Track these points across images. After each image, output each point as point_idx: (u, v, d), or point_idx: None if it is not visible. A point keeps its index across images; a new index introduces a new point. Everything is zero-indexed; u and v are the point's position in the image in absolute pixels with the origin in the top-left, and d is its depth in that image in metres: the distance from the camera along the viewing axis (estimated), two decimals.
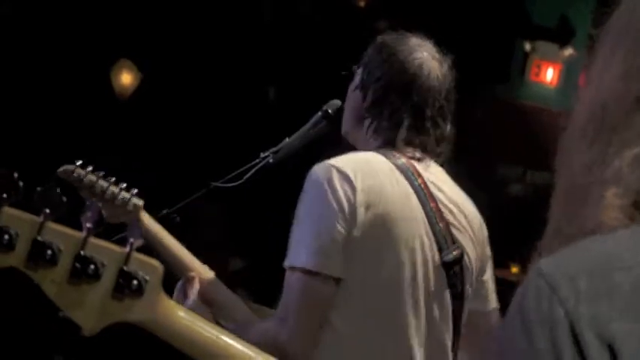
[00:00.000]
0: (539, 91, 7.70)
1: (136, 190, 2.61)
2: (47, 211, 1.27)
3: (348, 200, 2.27)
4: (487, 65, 7.08)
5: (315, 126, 2.69)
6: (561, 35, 7.52)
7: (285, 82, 7.21)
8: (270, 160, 2.70)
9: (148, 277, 1.29)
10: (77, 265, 1.27)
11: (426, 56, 2.49)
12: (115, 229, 1.37)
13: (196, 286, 2.48)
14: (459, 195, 2.51)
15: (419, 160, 2.44)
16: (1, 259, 1.26)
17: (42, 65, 7.28)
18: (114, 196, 2.56)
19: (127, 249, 1.28)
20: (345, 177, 2.29)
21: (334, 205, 2.26)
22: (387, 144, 2.45)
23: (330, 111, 2.71)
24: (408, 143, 2.45)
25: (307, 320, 2.25)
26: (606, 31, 1.00)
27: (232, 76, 7.37)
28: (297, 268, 2.26)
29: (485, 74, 7.00)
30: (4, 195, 1.26)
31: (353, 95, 2.55)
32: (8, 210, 1.27)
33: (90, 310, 1.28)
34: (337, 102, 2.72)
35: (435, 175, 2.46)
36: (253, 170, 2.69)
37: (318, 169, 2.31)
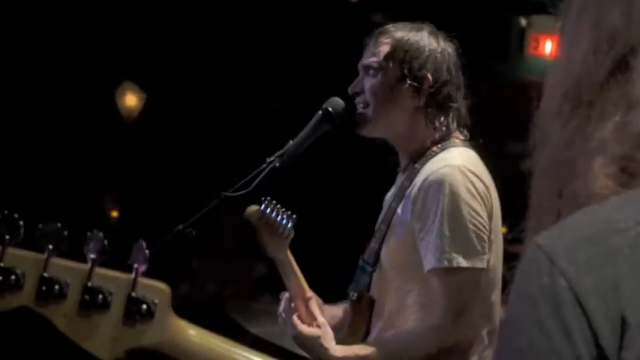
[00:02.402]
0: (539, 64, 7.66)
1: (294, 217, 2.62)
2: (50, 247, 1.29)
3: (487, 198, 2.43)
4: (485, 44, 7.07)
5: (318, 125, 2.70)
6: (556, 6, 7.50)
7: (288, 89, 7.22)
8: (277, 164, 2.70)
9: (156, 300, 1.30)
10: (86, 296, 1.29)
11: (444, 38, 2.63)
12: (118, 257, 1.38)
13: (317, 305, 2.56)
14: None
15: (467, 143, 2.57)
16: (10, 299, 1.28)
17: (45, 95, 7.32)
18: (287, 234, 2.57)
19: (133, 275, 1.29)
20: (478, 177, 2.44)
21: (481, 204, 2.41)
22: (448, 133, 2.56)
23: (330, 109, 2.71)
24: (459, 127, 2.59)
25: (479, 315, 2.41)
26: (569, 3, 1.00)
27: (233, 85, 7.39)
28: (461, 269, 2.39)
29: (484, 53, 6.99)
30: (7, 236, 1.28)
31: (392, 89, 2.59)
32: (12, 250, 1.28)
33: (103, 339, 1.30)
34: (338, 100, 2.72)
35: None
36: (261, 176, 2.69)
37: (453, 174, 2.43)
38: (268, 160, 2.69)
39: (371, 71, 2.63)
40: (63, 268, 1.29)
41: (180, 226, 2.69)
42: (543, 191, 0.98)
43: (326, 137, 2.74)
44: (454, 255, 2.39)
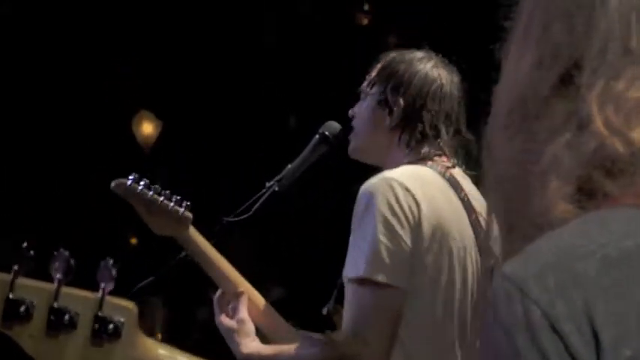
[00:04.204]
0: None
1: (187, 203, 2.62)
2: (16, 267, 1.28)
3: (412, 213, 2.32)
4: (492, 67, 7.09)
5: (315, 149, 2.71)
6: None
7: (305, 111, 7.24)
8: (276, 189, 2.72)
9: (123, 319, 1.29)
10: (52, 317, 1.28)
11: (440, 66, 2.57)
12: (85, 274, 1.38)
13: (245, 301, 2.56)
14: (483, 201, 2.53)
15: (452, 168, 2.48)
16: None
17: (62, 122, 7.39)
18: (166, 208, 2.57)
19: (100, 294, 1.28)
20: (407, 190, 2.34)
21: (401, 218, 2.32)
22: (421, 156, 2.49)
23: (327, 133, 2.72)
24: (441, 152, 2.50)
25: (382, 335, 2.27)
26: (518, 16, 1.00)
27: (248, 109, 7.43)
28: (367, 281, 2.27)
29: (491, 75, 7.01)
30: None
31: (372, 114, 2.58)
32: None
33: (71, 359, 1.29)
34: (334, 124, 2.74)
35: (467, 183, 2.50)
36: (261, 200, 2.70)
37: (377, 184, 2.36)
38: (268, 184, 2.70)
39: (362, 96, 2.65)
40: (29, 288, 1.29)
41: (184, 253, 2.71)
42: (505, 210, 0.98)
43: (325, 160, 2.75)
44: (360, 265, 2.31)
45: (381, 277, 2.26)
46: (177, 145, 7.80)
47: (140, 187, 2.53)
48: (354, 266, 2.31)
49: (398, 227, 2.31)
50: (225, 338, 2.55)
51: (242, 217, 2.75)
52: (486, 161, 0.98)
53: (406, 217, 2.33)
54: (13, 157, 7.13)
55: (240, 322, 2.54)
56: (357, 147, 2.63)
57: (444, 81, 2.52)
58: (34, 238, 1.35)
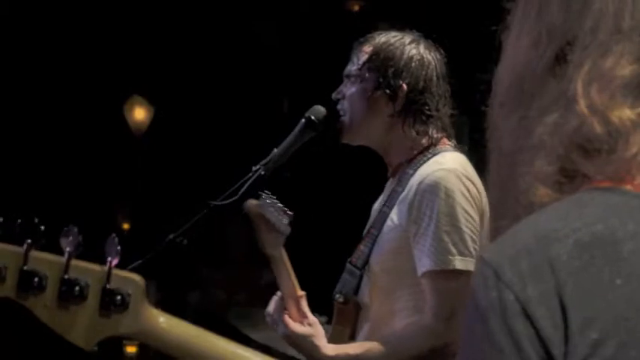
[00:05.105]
0: None
1: (287, 220, 2.62)
2: (29, 241, 1.36)
3: (479, 204, 2.46)
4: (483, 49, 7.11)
5: (301, 134, 2.76)
6: None
7: (298, 97, 7.26)
8: (262, 172, 2.76)
9: (130, 292, 1.37)
10: (63, 288, 1.36)
11: (429, 48, 2.65)
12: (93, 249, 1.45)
13: (306, 304, 2.61)
14: None
15: (459, 149, 2.60)
16: None
17: (56, 109, 7.41)
18: (280, 227, 2.59)
19: (107, 267, 1.36)
20: (471, 182, 2.48)
21: (475, 209, 2.45)
22: (433, 140, 2.58)
23: (313, 117, 2.77)
24: (444, 133, 2.60)
25: None
26: None
27: (241, 95, 7.46)
28: (456, 271, 2.40)
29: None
30: None
31: (370, 99, 2.63)
32: None
33: (82, 328, 1.37)
34: (320, 108, 2.78)
35: None
36: (247, 184, 2.75)
37: (448, 177, 2.44)
38: (254, 168, 2.76)
39: (351, 79, 2.69)
40: (41, 261, 1.36)
41: (172, 236, 2.76)
42: (492, 192, 1.02)
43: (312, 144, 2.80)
44: (450, 258, 2.42)
45: (471, 267, 2.39)
46: (169, 130, 7.83)
47: (268, 207, 2.54)
48: (439, 257, 2.40)
49: (475, 217, 2.43)
50: (298, 346, 2.56)
51: (229, 201, 2.80)
52: (490, 140, 1.03)
53: (477, 207, 2.45)
54: (13, 146, 7.15)
55: (314, 324, 2.58)
56: (354, 131, 2.68)
57: (437, 63, 2.61)
58: (37, 216, 1.42)
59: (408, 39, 2.67)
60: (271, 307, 2.65)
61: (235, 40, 7.42)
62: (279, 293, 2.66)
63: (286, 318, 2.58)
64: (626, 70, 0.89)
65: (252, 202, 2.59)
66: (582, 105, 0.89)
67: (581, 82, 0.90)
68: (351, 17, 7.47)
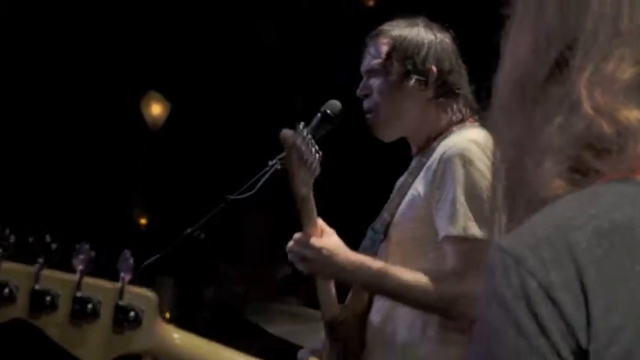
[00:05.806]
0: None
1: (319, 156, 2.61)
2: (41, 260, 1.35)
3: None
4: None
5: (317, 128, 2.77)
6: None
7: (311, 91, 7.25)
8: (279, 167, 2.77)
9: (143, 308, 1.35)
10: (76, 306, 1.34)
11: (441, 30, 2.71)
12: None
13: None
14: None
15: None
16: (4, 312, 1.34)
17: (73, 106, 7.42)
18: (312, 164, 2.59)
19: (120, 284, 1.35)
20: (493, 153, 2.45)
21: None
22: (463, 117, 2.63)
23: (329, 112, 2.78)
24: (469, 108, 2.66)
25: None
26: (515, 0, 1.03)
27: (255, 92, 7.45)
28: (475, 238, 2.42)
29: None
30: (0, 250, 1.33)
31: (402, 87, 2.66)
32: (5, 264, 1.34)
33: (95, 346, 1.35)
34: (336, 102, 2.79)
35: None
36: (264, 179, 2.76)
37: (470, 147, 2.47)
38: (270, 162, 2.76)
39: (375, 73, 2.69)
40: (53, 279, 1.35)
41: (189, 230, 2.77)
42: (496, 190, 1.02)
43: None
44: (469, 224, 2.42)
45: (489, 236, 2.39)
46: (186, 125, 7.83)
47: (303, 141, 2.53)
48: (458, 223, 2.45)
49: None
50: (319, 260, 2.51)
51: (245, 195, 2.80)
52: (494, 142, 1.04)
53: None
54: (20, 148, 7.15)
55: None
56: (388, 123, 2.69)
57: (451, 44, 2.69)
58: (50, 230, 1.41)
59: (421, 24, 2.74)
60: (293, 240, 2.67)
61: (250, 35, 7.40)
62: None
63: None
64: (626, 73, 0.90)
65: (287, 132, 2.59)
66: (588, 107, 0.90)
67: (585, 86, 0.91)
68: (365, 12, 7.44)
